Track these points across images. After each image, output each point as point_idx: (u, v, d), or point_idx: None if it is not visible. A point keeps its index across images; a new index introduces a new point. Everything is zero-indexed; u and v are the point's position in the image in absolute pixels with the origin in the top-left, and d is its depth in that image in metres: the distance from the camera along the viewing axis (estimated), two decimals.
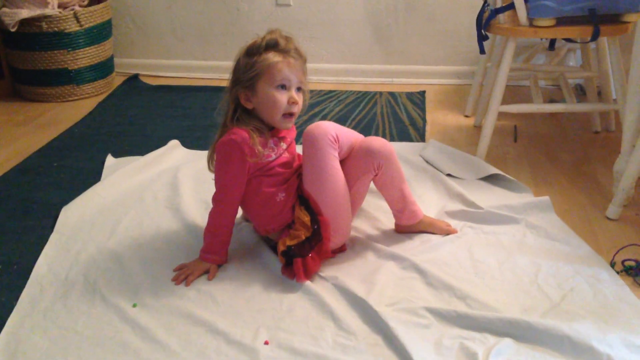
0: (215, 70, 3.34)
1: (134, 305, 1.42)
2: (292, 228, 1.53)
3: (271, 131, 1.55)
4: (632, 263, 1.53)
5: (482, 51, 2.24)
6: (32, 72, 2.93)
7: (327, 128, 1.52)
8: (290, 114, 1.52)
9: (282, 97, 1.48)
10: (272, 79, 1.47)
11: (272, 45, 1.48)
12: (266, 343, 1.29)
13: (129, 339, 1.31)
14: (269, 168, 1.54)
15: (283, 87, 1.48)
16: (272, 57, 1.47)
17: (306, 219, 1.50)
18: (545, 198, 1.82)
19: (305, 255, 1.48)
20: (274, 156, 1.55)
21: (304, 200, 1.53)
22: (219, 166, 1.53)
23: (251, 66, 1.48)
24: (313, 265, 1.48)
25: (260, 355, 1.25)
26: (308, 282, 1.46)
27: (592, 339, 1.24)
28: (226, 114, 1.54)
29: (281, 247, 1.50)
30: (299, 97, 1.52)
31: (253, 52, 1.49)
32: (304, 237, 1.49)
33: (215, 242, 1.56)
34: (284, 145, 1.58)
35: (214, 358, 1.25)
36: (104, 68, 3.11)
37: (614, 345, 1.24)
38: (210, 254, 1.55)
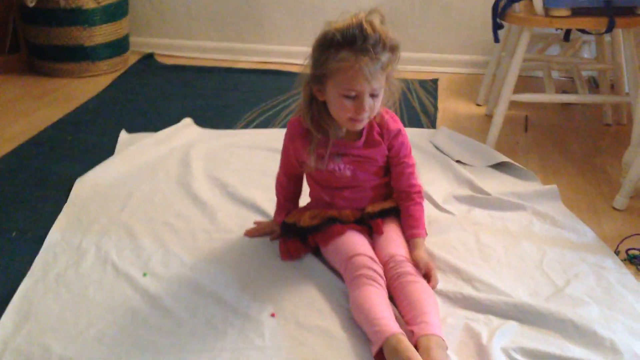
0: (229, 51, 3.35)
1: (145, 275, 1.45)
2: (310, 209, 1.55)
3: (336, 142, 1.45)
4: (636, 252, 1.54)
5: (496, 40, 2.24)
6: (49, 48, 2.96)
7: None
8: (358, 119, 1.38)
9: (349, 105, 1.34)
10: (339, 85, 1.32)
11: (347, 41, 1.29)
12: (272, 315, 1.32)
13: (139, 307, 1.34)
14: (317, 173, 1.50)
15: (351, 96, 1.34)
16: (343, 59, 1.29)
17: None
18: (553, 186, 1.83)
19: (288, 237, 1.51)
20: (323, 167, 1.46)
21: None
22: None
23: (321, 64, 1.33)
24: (294, 249, 1.50)
25: (266, 327, 1.28)
26: (316, 259, 1.48)
27: (596, 324, 1.25)
28: (303, 99, 1.43)
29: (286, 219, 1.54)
30: (371, 104, 1.35)
31: (325, 45, 1.32)
32: (302, 224, 1.50)
33: (276, 205, 1.61)
34: (338, 160, 1.46)
35: (221, 327, 1.28)
36: (120, 46, 3.13)
37: (617, 331, 1.25)
38: (274, 216, 1.61)
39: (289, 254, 1.51)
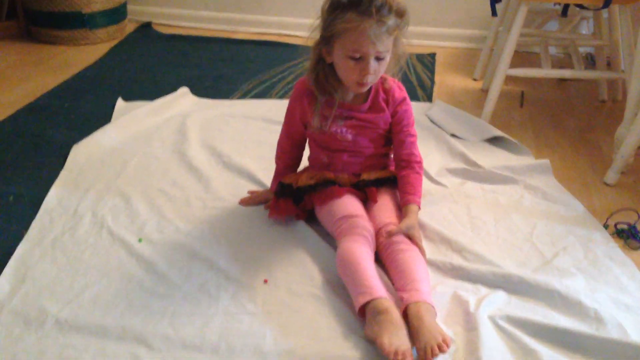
0: (227, 22, 3.34)
1: (140, 240, 1.47)
2: (308, 171, 1.57)
3: (341, 104, 1.47)
4: (625, 226, 1.57)
5: (494, 13, 2.24)
6: (46, 14, 2.95)
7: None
8: (363, 83, 1.39)
9: (354, 67, 1.35)
10: (345, 47, 1.34)
11: (354, 3, 1.31)
12: (265, 282, 1.34)
13: (134, 271, 1.36)
14: (319, 135, 1.52)
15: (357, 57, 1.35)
16: (349, 21, 1.31)
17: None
18: (545, 161, 1.85)
19: (279, 197, 1.54)
20: (325, 128, 1.49)
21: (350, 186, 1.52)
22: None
23: (328, 25, 1.35)
24: (284, 207, 1.53)
25: (258, 293, 1.30)
26: (309, 227, 1.51)
27: (581, 295, 1.28)
28: (310, 60, 1.44)
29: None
30: (376, 67, 1.36)
31: (333, 6, 1.34)
32: (299, 184, 1.51)
33: (274, 173, 1.63)
34: (341, 123, 1.49)
35: (214, 293, 1.30)
36: (117, 14, 3.12)
37: (601, 302, 1.28)
38: (271, 184, 1.64)
39: (278, 211, 1.53)
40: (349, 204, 1.45)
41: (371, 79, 1.39)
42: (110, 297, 1.28)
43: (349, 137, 1.50)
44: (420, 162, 1.53)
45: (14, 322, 1.20)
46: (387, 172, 1.56)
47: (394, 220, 1.43)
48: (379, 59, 1.36)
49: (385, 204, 1.50)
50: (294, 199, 1.53)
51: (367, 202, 1.51)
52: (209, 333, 1.18)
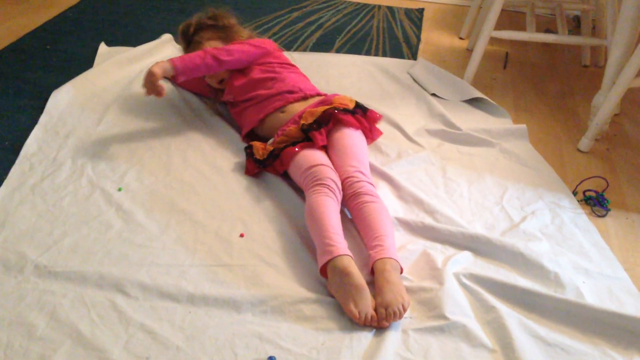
0: None
1: (119, 189, 1.49)
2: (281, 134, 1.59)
3: None
4: (593, 194, 1.61)
5: None
6: None
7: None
8: None
9: None
10: None
11: None
12: (241, 236, 1.38)
13: (112, 220, 1.39)
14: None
15: None
16: None
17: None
18: (522, 126, 1.88)
19: (247, 157, 1.59)
20: None
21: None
22: None
23: None
24: (251, 168, 1.57)
25: (234, 246, 1.34)
26: (284, 183, 1.54)
27: (543, 258, 1.33)
28: None
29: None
30: None
31: None
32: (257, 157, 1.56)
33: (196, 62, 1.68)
34: None
35: (190, 245, 1.34)
36: None
37: (562, 265, 1.34)
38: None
39: (250, 170, 1.59)
40: (311, 155, 1.49)
41: None
42: (89, 245, 1.31)
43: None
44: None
45: None
46: (325, 105, 1.61)
47: (357, 167, 1.46)
48: None
49: (343, 146, 1.52)
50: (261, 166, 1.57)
51: (326, 147, 1.55)
52: (184, 283, 1.22)
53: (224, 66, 1.71)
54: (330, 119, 1.56)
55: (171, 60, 1.64)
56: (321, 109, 1.58)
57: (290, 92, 1.68)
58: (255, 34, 1.95)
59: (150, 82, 1.59)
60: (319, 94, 1.73)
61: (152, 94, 1.62)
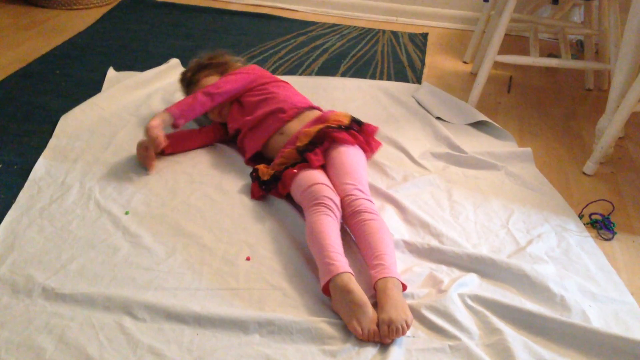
0: None
1: (126, 213, 1.50)
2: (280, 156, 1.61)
3: None
4: (599, 217, 1.62)
5: None
6: None
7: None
8: None
9: None
10: None
11: None
12: (248, 259, 1.38)
13: (120, 244, 1.40)
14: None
15: None
16: None
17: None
18: (527, 149, 1.89)
19: (253, 180, 1.60)
20: None
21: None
22: None
23: None
24: (256, 191, 1.59)
25: (241, 270, 1.35)
26: (289, 205, 1.54)
27: (550, 281, 1.33)
28: None
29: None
30: None
31: None
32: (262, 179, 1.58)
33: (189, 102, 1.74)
34: None
35: (197, 268, 1.34)
36: None
37: (568, 288, 1.34)
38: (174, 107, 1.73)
39: (255, 193, 1.60)
40: (310, 174, 1.50)
41: None
42: (96, 268, 1.31)
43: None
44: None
45: (2, 289, 1.24)
46: (320, 124, 1.62)
47: (356, 185, 1.47)
48: None
49: (340, 164, 1.53)
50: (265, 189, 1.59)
51: (324, 166, 1.56)
52: (191, 305, 1.22)
53: (216, 99, 1.75)
54: (325, 138, 1.58)
55: (166, 109, 1.70)
56: (315, 128, 1.60)
57: (282, 110, 1.71)
58: (244, 64, 2.00)
59: (142, 156, 1.68)
60: (311, 107, 1.77)
61: (144, 165, 1.68)
